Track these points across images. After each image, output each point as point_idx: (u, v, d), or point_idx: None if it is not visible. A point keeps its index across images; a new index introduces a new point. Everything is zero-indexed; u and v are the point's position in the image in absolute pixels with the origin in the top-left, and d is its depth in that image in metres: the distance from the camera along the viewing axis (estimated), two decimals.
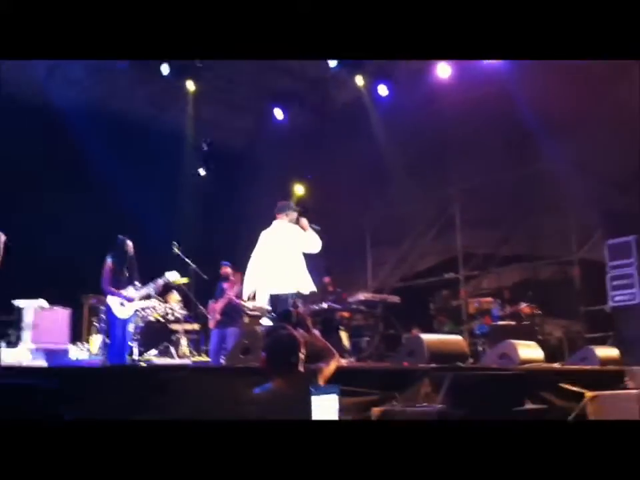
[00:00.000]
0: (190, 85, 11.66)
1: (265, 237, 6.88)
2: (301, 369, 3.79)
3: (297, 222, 6.83)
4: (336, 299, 10.03)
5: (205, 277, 9.66)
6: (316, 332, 4.34)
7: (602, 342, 9.22)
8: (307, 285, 6.64)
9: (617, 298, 9.43)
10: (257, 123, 13.10)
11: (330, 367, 3.95)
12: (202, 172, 12.64)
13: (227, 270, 9.44)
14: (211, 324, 9.31)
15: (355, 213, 12.64)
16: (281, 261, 6.59)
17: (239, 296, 9.13)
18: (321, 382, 3.82)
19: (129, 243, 7.84)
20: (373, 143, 11.66)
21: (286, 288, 6.54)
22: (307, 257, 12.82)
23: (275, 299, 6.58)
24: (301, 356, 3.75)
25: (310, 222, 6.94)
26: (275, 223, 6.93)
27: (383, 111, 11.75)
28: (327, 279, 10.90)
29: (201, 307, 9.90)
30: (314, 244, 6.76)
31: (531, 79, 9.84)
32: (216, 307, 9.23)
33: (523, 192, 10.95)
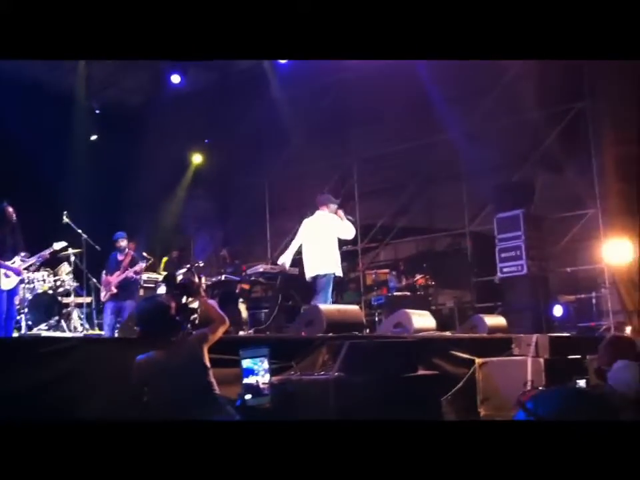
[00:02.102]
0: None
1: (309, 224, 7.96)
2: (182, 335, 3.77)
3: (335, 212, 7.90)
4: (234, 271, 9.96)
5: (98, 247, 9.28)
6: (210, 300, 4.27)
7: (491, 311, 9.64)
8: (340, 268, 7.84)
9: (505, 269, 9.84)
10: (153, 85, 12.61)
11: (216, 333, 3.91)
12: (94, 137, 12.14)
13: (122, 242, 9.07)
14: (104, 297, 8.97)
15: (254, 182, 12.51)
16: (324, 246, 7.70)
17: (136, 267, 8.90)
18: (205, 348, 3.79)
19: (11, 210, 7.35)
20: (273, 109, 11.51)
21: (327, 269, 7.66)
22: (203, 228, 12.61)
23: (317, 279, 7.66)
24: (178, 321, 3.72)
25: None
26: (317, 213, 7.97)
27: (283, 76, 11.59)
28: (223, 251, 10.78)
29: (94, 279, 9.53)
30: (349, 231, 7.91)
31: None
32: (111, 280, 8.89)
33: (421, 163, 11.19)
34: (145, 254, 9.54)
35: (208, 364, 3.79)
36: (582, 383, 6.05)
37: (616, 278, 9.53)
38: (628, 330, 8.69)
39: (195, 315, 4.13)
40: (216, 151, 12.66)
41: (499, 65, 9.79)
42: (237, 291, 9.34)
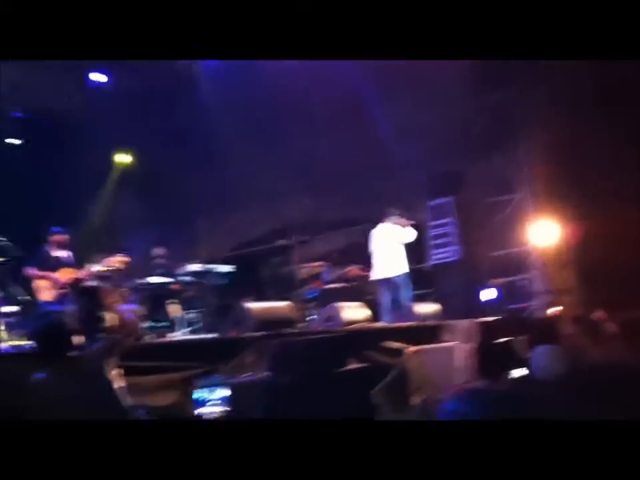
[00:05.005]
0: None
1: (377, 235, 9.19)
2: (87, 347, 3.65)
3: (398, 222, 9.05)
4: (167, 271, 9.68)
5: (21, 254, 8.87)
6: (124, 306, 4.14)
7: (424, 298, 9.68)
8: (406, 268, 8.96)
9: (438, 256, 9.93)
10: (76, 85, 12.18)
11: (124, 341, 3.79)
12: (15, 141, 11.65)
13: (63, 237, 8.41)
14: (48, 295, 8.11)
15: (184, 180, 12.28)
16: (392, 252, 8.94)
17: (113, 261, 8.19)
18: (111, 359, 3.65)
19: None
20: (202, 108, 11.29)
21: (397, 271, 8.86)
22: (133, 229, 12.30)
23: (393, 279, 8.84)
24: (76, 339, 3.58)
25: None
26: (381, 225, 9.18)
27: (212, 76, 11.38)
28: (159, 250, 10.41)
29: (18, 287, 9.11)
30: (411, 235, 9.06)
31: None
32: (61, 278, 8.08)
33: (352, 156, 11.15)
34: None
35: (112, 377, 3.64)
36: (517, 372, 6.09)
37: (544, 259, 9.71)
38: (557, 309, 8.87)
39: (107, 323, 3.98)
40: (144, 151, 12.34)
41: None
42: (168, 291, 9.10)
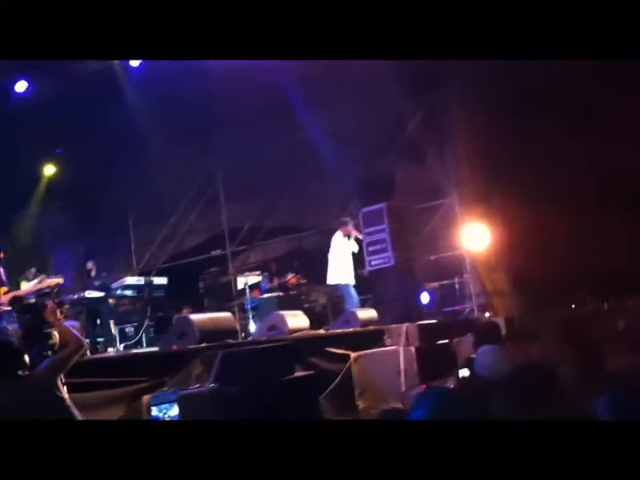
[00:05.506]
0: None
1: (332, 243, 9.47)
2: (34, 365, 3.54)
3: (350, 232, 9.44)
4: (101, 285, 9.40)
5: None
6: (68, 322, 4.02)
7: (363, 304, 9.81)
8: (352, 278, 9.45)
9: (374, 262, 10.06)
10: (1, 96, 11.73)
11: (71, 358, 3.68)
12: None
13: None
14: None
15: (114, 189, 11.98)
16: (346, 259, 9.36)
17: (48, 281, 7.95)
18: (59, 376, 3.55)
19: None
20: (127, 113, 11.04)
21: (350, 279, 9.35)
22: (62, 242, 11.91)
23: (338, 287, 9.44)
24: (26, 359, 3.47)
25: None
26: (338, 232, 9.49)
27: (137, 80, 11.14)
28: (90, 264, 10.15)
29: None
30: (354, 247, 9.52)
31: None
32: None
33: (285, 163, 11.18)
34: None
35: (63, 393, 3.55)
36: (464, 372, 6.23)
37: (476, 262, 10.00)
38: (487, 315, 9.15)
39: (53, 340, 3.86)
40: (70, 161, 11.99)
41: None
42: (104, 306, 8.87)
